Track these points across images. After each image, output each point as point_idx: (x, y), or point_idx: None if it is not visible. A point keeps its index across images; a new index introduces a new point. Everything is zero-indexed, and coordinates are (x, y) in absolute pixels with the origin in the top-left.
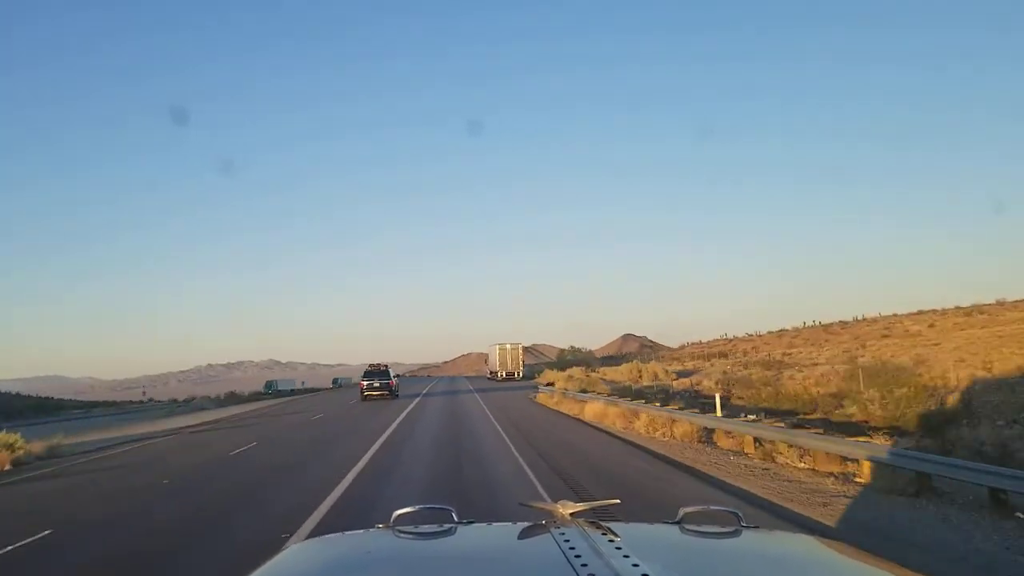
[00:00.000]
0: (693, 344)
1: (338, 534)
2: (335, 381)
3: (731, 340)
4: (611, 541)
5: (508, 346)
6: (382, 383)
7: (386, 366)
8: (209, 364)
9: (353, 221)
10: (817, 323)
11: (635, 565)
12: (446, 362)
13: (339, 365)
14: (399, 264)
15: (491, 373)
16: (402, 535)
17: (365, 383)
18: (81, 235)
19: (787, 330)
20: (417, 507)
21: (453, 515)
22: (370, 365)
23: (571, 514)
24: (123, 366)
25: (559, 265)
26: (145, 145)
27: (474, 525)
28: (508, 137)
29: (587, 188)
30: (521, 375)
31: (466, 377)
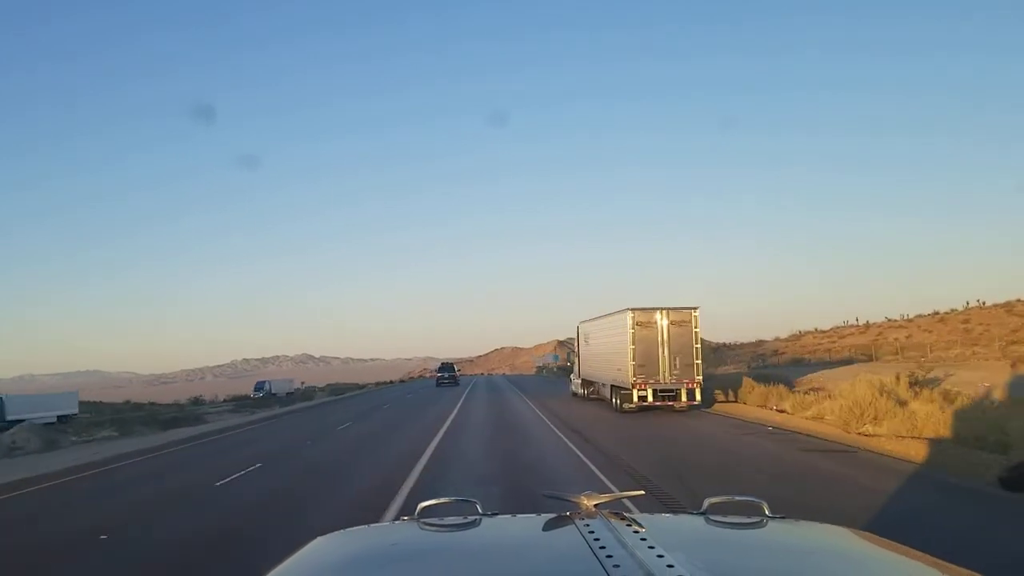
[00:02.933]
0: (789, 337)
1: (364, 526)
2: (259, 388)
3: (859, 327)
4: (636, 532)
5: (662, 318)
6: (450, 375)
7: (452, 363)
8: (244, 359)
9: (388, 215)
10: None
11: (660, 556)
12: (479, 356)
13: (373, 360)
14: (433, 258)
15: (585, 387)
16: (427, 527)
17: (438, 374)
18: (120, 229)
19: (944, 312)
20: (442, 500)
21: (478, 507)
22: (442, 363)
23: (595, 505)
24: (161, 361)
25: (593, 256)
26: (178, 139)
27: (499, 517)
28: (533, 128)
29: (623, 178)
30: (698, 390)
31: (505, 377)
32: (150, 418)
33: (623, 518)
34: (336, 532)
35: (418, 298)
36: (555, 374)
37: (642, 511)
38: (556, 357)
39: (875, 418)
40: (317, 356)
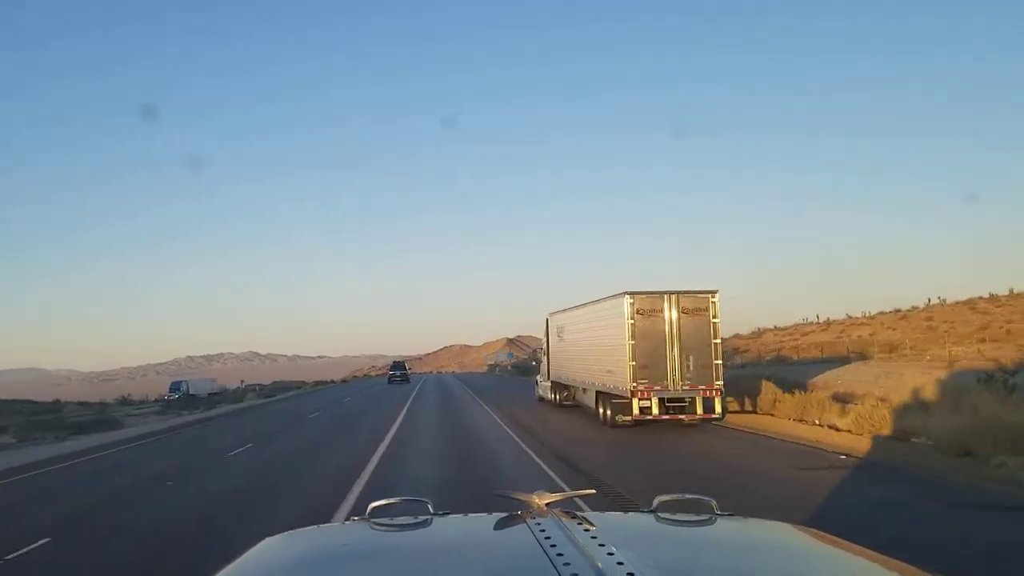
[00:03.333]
0: (750, 334)
1: (313, 527)
2: (175, 388)
3: (820, 324)
4: (587, 531)
5: (670, 306)
6: (401, 372)
7: (404, 361)
8: (188, 356)
9: (334, 211)
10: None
11: (610, 554)
12: (428, 354)
13: (320, 357)
14: (381, 255)
15: (556, 392)
16: (378, 527)
17: (391, 372)
18: (60, 225)
19: (906, 310)
20: (393, 499)
21: (429, 507)
22: (394, 361)
23: (547, 504)
24: (103, 358)
25: (545, 254)
26: (120, 136)
27: (450, 516)
28: (483, 129)
29: (573, 178)
30: (718, 400)
31: (456, 376)
32: (57, 422)
33: (574, 517)
34: (285, 533)
35: (366, 295)
36: (509, 373)
37: (594, 510)
38: (511, 355)
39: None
40: (263, 353)
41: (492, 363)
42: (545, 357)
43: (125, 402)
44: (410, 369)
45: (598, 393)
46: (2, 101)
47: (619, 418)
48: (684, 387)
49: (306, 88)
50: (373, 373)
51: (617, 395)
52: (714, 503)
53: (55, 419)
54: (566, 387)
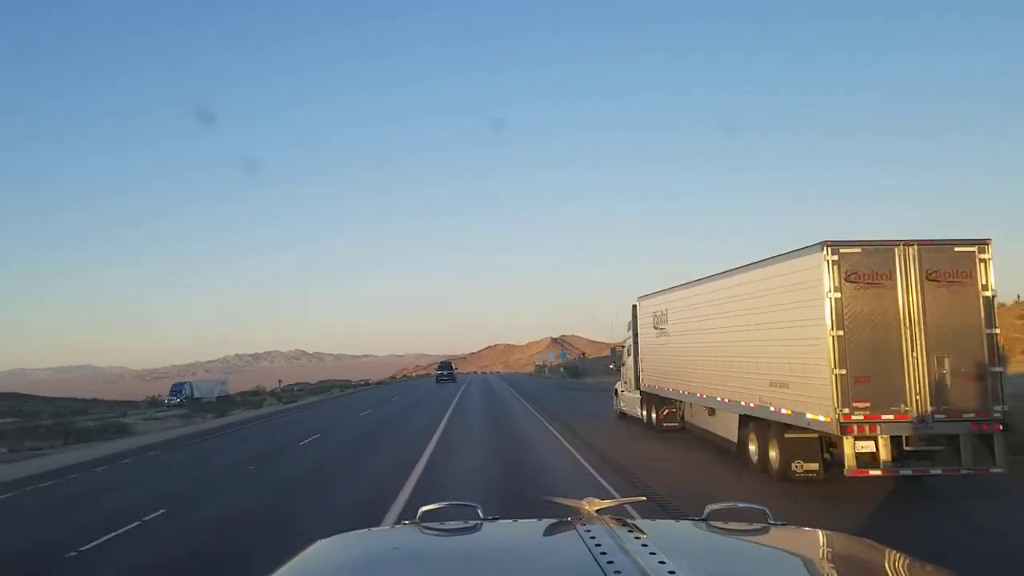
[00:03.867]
0: None
1: (365, 530)
2: (176, 391)
3: None
4: (637, 538)
5: (906, 267)
6: (448, 372)
7: (450, 361)
8: (237, 354)
9: (381, 212)
10: None
11: (661, 562)
12: (472, 354)
13: (366, 356)
14: (427, 255)
15: (650, 408)
16: (428, 531)
17: (438, 372)
18: (115, 224)
19: None
20: (443, 504)
21: (479, 511)
22: (441, 362)
23: (597, 511)
24: (153, 356)
25: (587, 255)
26: (173, 137)
27: (500, 521)
28: (528, 129)
29: (617, 177)
30: (1000, 437)
31: (501, 377)
32: (57, 428)
33: (624, 524)
34: (337, 535)
35: (412, 295)
36: (560, 375)
37: (644, 517)
38: (563, 355)
39: None
40: (310, 352)
41: (540, 363)
42: (630, 358)
43: (154, 403)
44: (456, 369)
45: (748, 420)
46: (56, 100)
47: (797, 468)
48: (938, 416)
49: (349, 88)
50: (414, 373)
51: (798, 427)
52: (767, 511)
53: (57, 424)
54: (668, 402)
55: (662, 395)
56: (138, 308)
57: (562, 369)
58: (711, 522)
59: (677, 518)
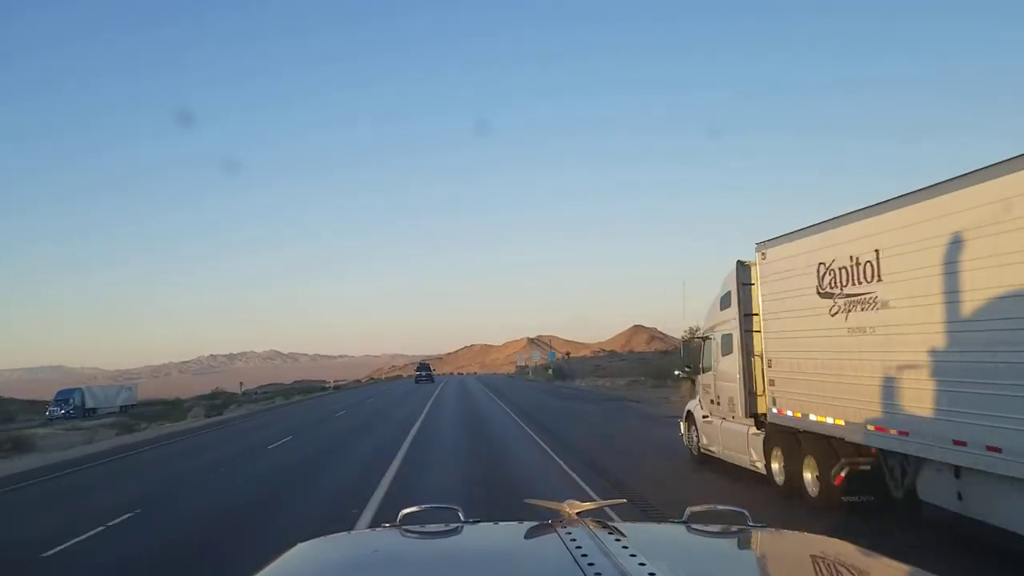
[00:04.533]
0: None
1: (344, 533)
2: (62, 400)
3: None
4: (618, 540)
5: None
6: (427, 373)
7: (428, 363)
8: (212, 355)
9: (355, 212)
10: None
11: (642, 564)
12: (449, 354)
13: (341, 356)
14: (402, 256)
15: (777, 457)
16: (409, 534)
17: (417, 372)
18: (83, 226)
19: None
20: (424, 506)
21: (460, 514)
22: (420, 363)
23: (577, 513)
24: (126, 356)
25: (562, 256)
26: (147, 138)
27: (480, 524)
28: (513, 129)
29: (589, 179)
30: None
31: (479, 379)
32: None
33: (605, 526)
34: (317, 539)
35: (388, 295)
36: (547, 377)
37: (624, 520)
38: (552, 355)
39: None
40: (285, 352)
41: (522, 363)
42: (730, 356)
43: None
44: (433, 370)
45: None
46: (35, 101)
47: None
48: None
49: (326, 89)
50: (386, 375)
51: None
52: (747, 514)
53: None
54: (849, 451)
55: (829, 434)
56: (113, 309)
57: (549, 371)
58: (692, 524)
59: (658, 520)
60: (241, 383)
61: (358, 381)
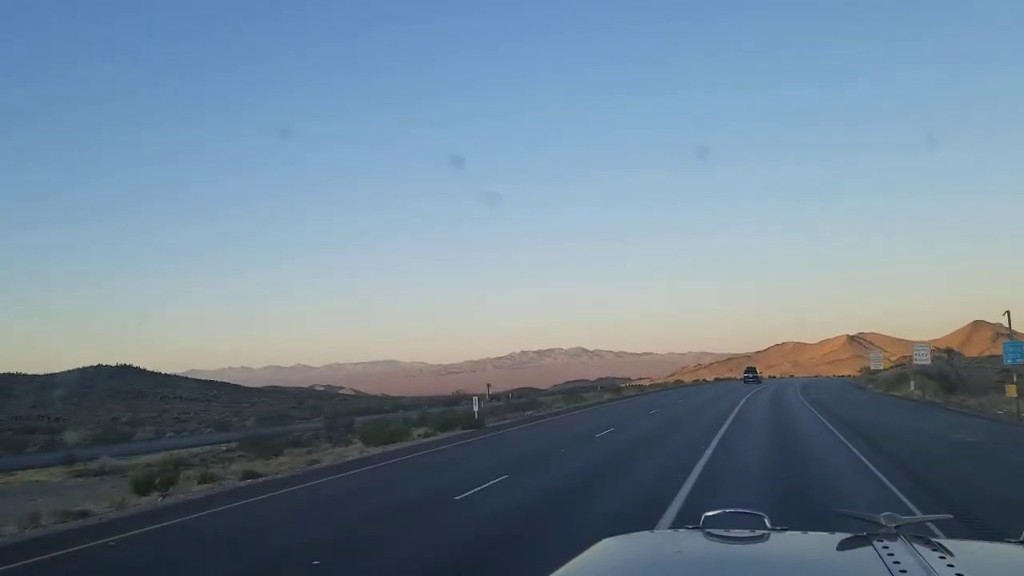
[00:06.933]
0: None
1: (647, 532)
2: None
3: None
4: (943, 558)
5: None
6: (754, 375)
7: (754, 367)
8: (522, 351)
9: (663, 206)
10: None
11: None
12: (757, 352)
13: (646, 354)
14: (712, 248)
15: None
16: (712, 537)
17: (745, 375)
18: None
19: None
20: (727, 510)
21: (766, 521)
22: (747, 367)
23: (896, 527)
24: (449, 352)
25: (882, 247)
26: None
27: (788, 532)
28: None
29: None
30: None
31: (802, 394)
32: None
33: (928, 543)
34: (621, 536)
35: (695, 290)
36: (932, 392)
37: (949, 537)
38: (921, 351)
39: None
40: (591, 349)
41: (877, 366)
42: None
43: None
44: (761, 373)
45: None
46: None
47: None
48: None
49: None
50: (691, 378)
51: None
52: None
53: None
54: None
55: None
56: (439, 308)
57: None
58: None
59: (991, 539)
60: (488, 385)
61: (663, 384)
